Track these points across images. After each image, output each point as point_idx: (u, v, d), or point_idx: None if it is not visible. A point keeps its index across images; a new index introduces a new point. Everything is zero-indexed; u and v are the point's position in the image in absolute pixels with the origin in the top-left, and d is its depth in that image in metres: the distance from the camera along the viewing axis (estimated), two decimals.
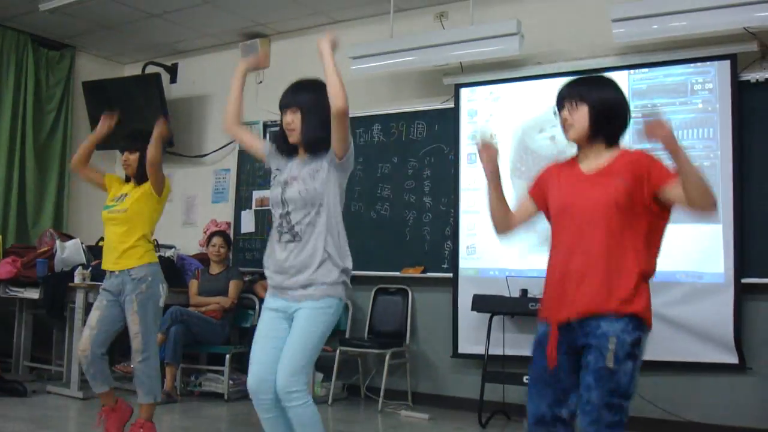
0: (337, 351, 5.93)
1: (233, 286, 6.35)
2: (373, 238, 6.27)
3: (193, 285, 6.44)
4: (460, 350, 5.90)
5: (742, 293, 4.95)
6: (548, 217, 2.83)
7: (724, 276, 4.99)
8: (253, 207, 7.18)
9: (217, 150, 7.61)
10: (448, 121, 6.15)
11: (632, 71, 5.44)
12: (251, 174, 7.25)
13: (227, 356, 5.99)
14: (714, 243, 5.03)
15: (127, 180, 4.49)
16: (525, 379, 4.55)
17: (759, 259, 4.94)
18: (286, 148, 3.24)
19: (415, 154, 6.30)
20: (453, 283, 5.96)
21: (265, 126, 7.08)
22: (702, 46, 5.18)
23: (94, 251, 6.30)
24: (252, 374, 3.10)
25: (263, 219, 7.02)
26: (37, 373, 6.64)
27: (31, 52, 7.51)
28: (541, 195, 2.85)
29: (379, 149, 6.48)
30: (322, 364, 5.65)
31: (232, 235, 7.05)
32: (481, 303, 5.48)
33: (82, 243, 6.47)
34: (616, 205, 2.58)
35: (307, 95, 3.16)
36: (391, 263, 6.25)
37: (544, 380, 2.67)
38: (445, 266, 6.05)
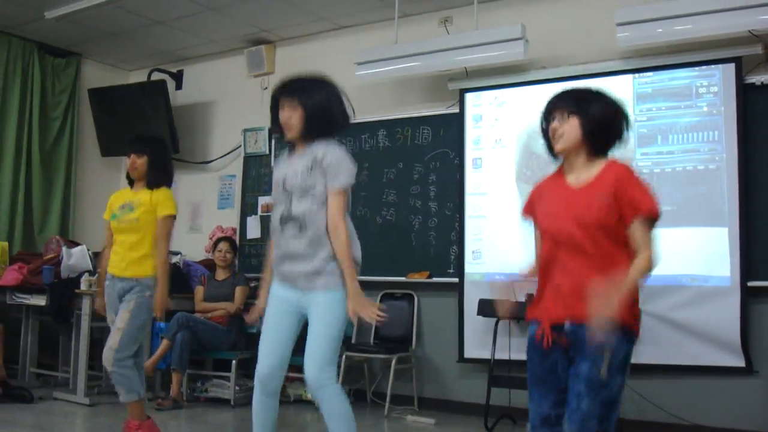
0: (343, 356, 5.92)
1: (239, 292, 6.35)
2: (379, 243, 6.27)
3: (199, 291, 6.45)
4: (466, 355, 5.90)
5: (748, 296, 4.94)
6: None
7: (730, 279, 4.97)
8: (259, 213, 7.18)
9: (222, 156, 7.63)
10: (453, 126, 6.15)
11: (637, 75, 5.44)
12: (257, 180, 7.27)
13: (233, 362, 5.99)
14: (720, 246, 5.01)
15: (130, 183, 4.47)
16: None
17: (765, 263, 4.93)
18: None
19: (420, 159, 6.31)
20: (459, 288, 5.95)
21: (270, 132, 7.09)
22: (706, 50, 5.17)
23: (101, 258, 6.31)
24: (264, 364, 3.19)
25: (269, 225, 7.00)
26: (43, 379, 6.64)
27: (37, 60, 7.54)
28: (534, 213, 2.89)
29: (385, 154, 6.49)
30: None
31: (237, 241, 7.06)
32: (486, 308, 5.46)
33: (88, 249, 6.48)
34: (602, 220, 2.61)
35: (310, 96, 3.20)
36: (397, 268, 6.25)
37: (545, 381, 2.73)
38: (451, 271, 6.05)
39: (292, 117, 3.19)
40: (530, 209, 2.91)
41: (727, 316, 4.93)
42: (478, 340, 5.75)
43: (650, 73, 5.40)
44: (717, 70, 5.17)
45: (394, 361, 5.83)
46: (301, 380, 4.94)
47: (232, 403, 5.92)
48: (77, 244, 6.63)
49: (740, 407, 4.96)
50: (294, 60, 6.98)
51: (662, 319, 5.01)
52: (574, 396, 2.59)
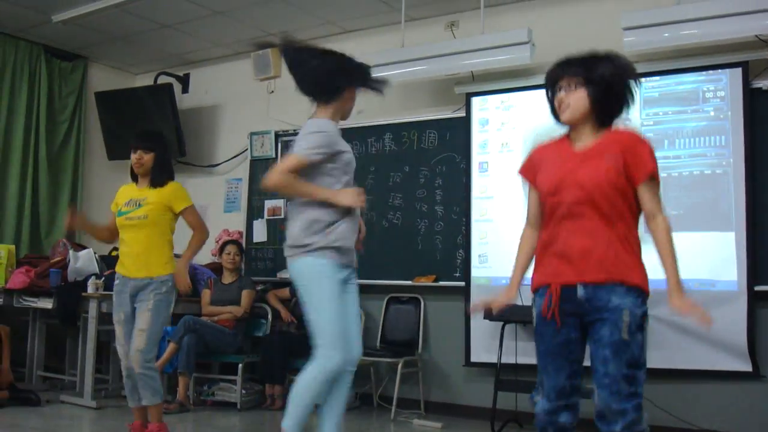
0: None
1: (246, 296, 6.35)
2: (385, 247, 6.28)
3: (206, 294, 6.45)
4: (473, 359, 5.90)
5: (755, 301, 4.93)
6: (540, 196, 2.86)
7: (737, 284, 4.97)
8: (265, 216, 7.19)
9: (228, 159, 7.65)
10: (459, 130, 6.15)
11: (643, 79, 5.42)
12: None
13: (240, 365, 5.99)
14: (727, 251, 5.01)
15: (134, 179, 4.46)
16: None
17: None
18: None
19: (426, 163, 6.31)
20: (465, 292, 5.95)
21: (277, 136, 7.11)
22: (713, 54, 5.17)
23: (107, 261, 6.33)
24: (355, 350, 3.55)
25: (275, 228, 7.03)
26: (50, 382, 6.67)
27: (44, 63, 7.57)
28: (532, 175, 2.90)
29: (391, 158, 6.50)
30: None
31: (244, 245, 7.07)
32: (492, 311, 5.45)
33: (95, 253, 6.49)
34: (610, 181, 2.63)
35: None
36: (403, 272, 6.25)
37: (560, 354, 2.74)
38: (457, 275, 6.05)
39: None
40: (529, 170, 2.92)
41: (734, 320, 4.92)
42: (485, 344, 5.75)
43: (657, 78, 5.40)
44: (724, 74, 5.17)
45: (400, 365, 5.83)
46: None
47: (238, 406, 5.91)
48: (84, 248, 6.65)
49: (747, 412, 4.96)
50: None
51: (669, 324, 4.99)
52: (599, 362, 2.62)
